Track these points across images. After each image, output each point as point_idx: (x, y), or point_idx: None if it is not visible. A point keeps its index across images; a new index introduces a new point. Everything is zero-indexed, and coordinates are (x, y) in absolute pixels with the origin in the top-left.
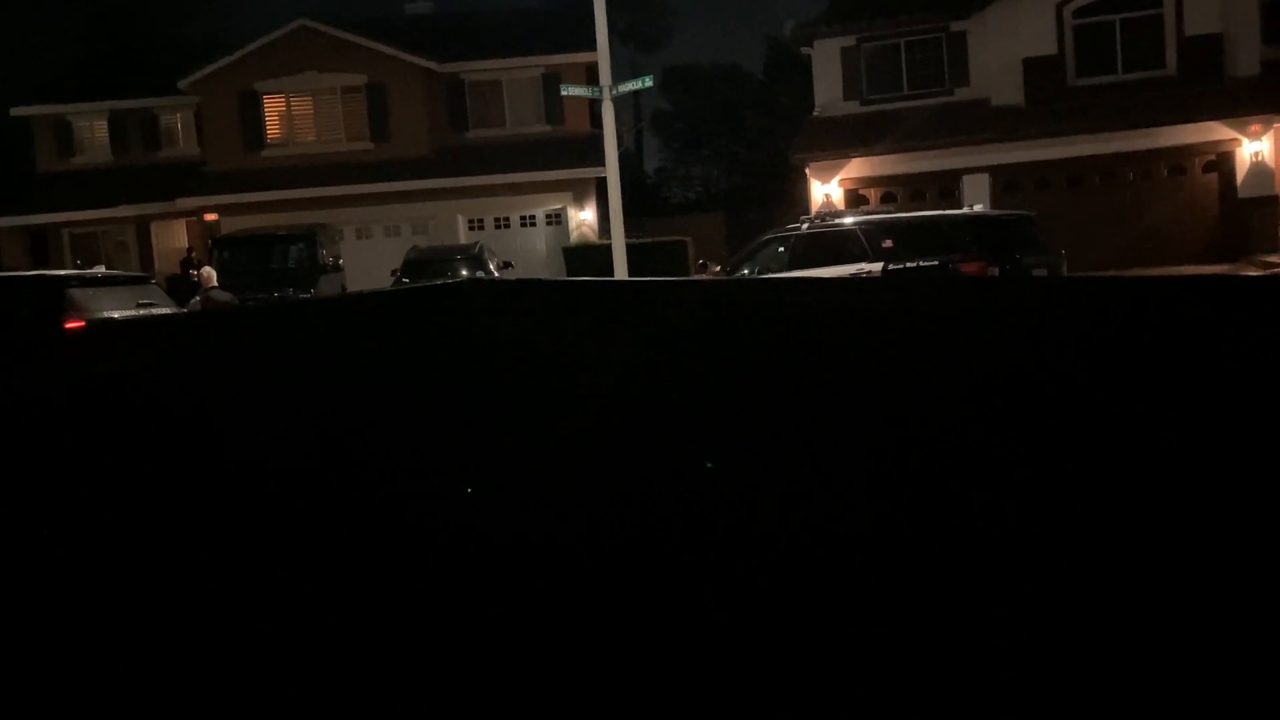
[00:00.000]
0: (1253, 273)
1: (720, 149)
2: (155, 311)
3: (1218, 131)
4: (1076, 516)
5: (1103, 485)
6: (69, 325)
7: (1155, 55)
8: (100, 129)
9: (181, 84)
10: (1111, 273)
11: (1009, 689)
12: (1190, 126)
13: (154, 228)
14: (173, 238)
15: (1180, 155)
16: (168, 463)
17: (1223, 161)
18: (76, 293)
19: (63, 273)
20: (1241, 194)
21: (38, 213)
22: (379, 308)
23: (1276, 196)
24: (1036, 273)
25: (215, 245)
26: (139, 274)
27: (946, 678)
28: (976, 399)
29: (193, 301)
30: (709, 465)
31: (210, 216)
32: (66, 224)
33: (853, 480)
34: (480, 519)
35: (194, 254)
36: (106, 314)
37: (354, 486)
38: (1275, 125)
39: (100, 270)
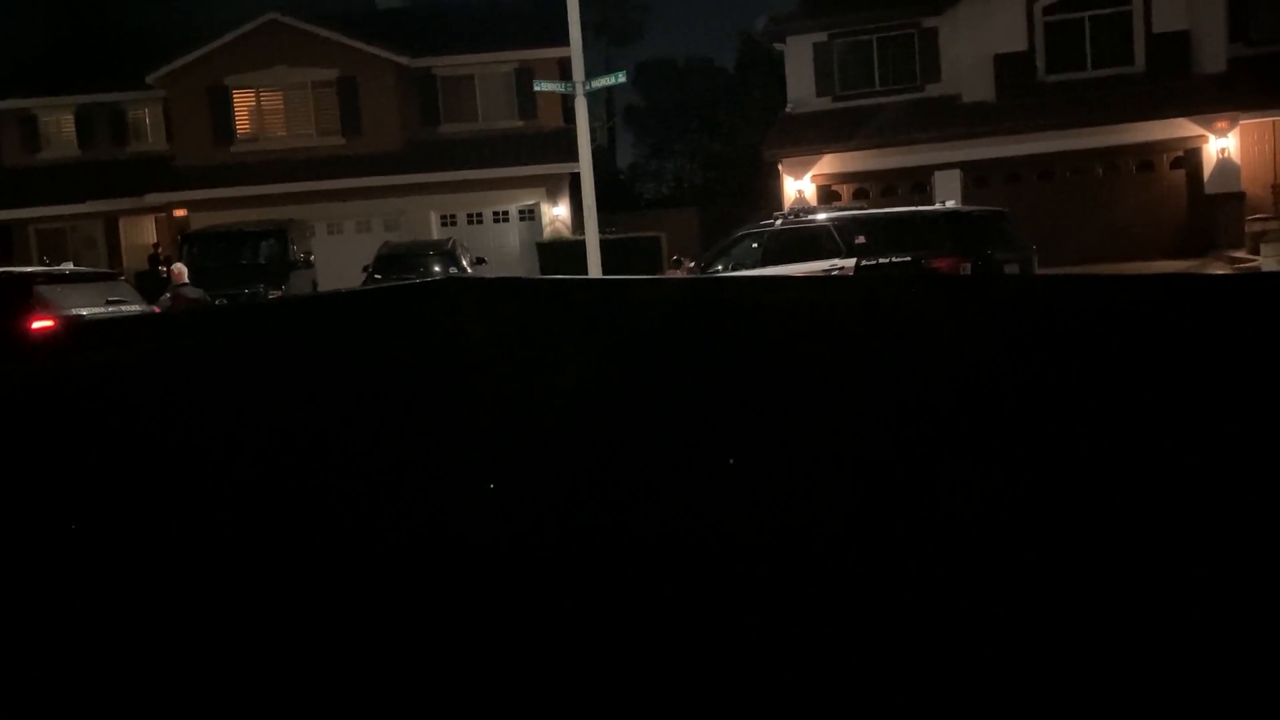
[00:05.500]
0: (1220, 268)
1: (693, 144)
2: (126, 309)
3: (1185, 128)
4: (1043, 507)
5: (1070, 476)
6: (37, 323)
7: (1124, 52)
8: (67, 123)
9: (150, 78)
10: (1083, 269)
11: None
12: (1158, 123)
13: (122, 224)
14: (141, 234)
15: (1148, 151)
16: (139, 464)
17: (1190, 158)
18: (45, 290)
19: (30, 269)
20: (1208, 190)
21: (3, 208)
22: (358, 308)
23: (1243, 193)
24: (1009, 269)
25: (185, 241)
26: (108, 270)
27: (898, 667)
28: (950, 395)
29: (163, 298)
30: (730, 461)
31: (180, 212)
32: (33, 220)
33: (835, 473)
34: (455, 516)
35: (160, 250)
36: (76, 311)
37: (330, 490)
38: (1242, 122)
39: (68, 267)
